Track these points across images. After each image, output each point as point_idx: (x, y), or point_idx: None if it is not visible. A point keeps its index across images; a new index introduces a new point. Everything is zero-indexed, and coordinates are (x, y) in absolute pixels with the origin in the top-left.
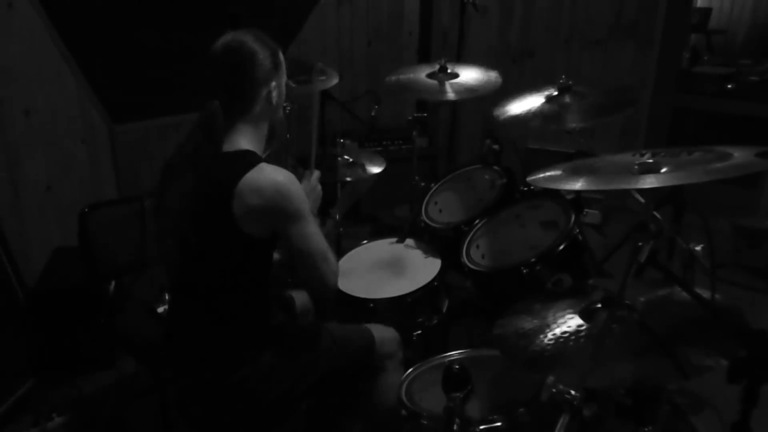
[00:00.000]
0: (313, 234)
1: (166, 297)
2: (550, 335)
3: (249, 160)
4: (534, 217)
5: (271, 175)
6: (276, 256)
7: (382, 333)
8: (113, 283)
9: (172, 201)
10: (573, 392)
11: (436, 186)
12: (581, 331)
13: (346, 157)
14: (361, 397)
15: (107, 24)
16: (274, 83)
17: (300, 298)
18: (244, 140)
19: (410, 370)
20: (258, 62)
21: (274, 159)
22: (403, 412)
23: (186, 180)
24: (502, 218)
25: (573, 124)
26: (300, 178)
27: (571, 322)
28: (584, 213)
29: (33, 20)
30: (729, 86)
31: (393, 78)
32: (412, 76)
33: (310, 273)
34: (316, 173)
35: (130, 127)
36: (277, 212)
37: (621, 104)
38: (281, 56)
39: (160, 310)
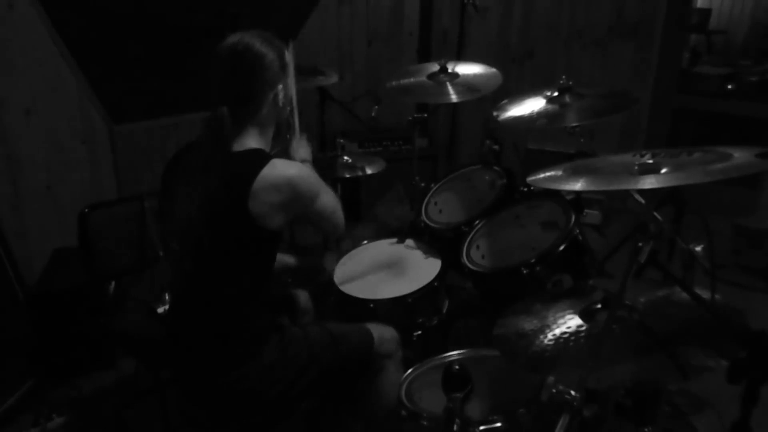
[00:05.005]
0: (326, 202)
1: (166, 297)
2: (550, 335)
3: (260, 157)
4: (534, 217)
5: (283, 170)
6: (290, 260)
7: (382, 332)
8: (113, 283)
9: (181, 204)
10: (573, 392)
11: (436, 186)
12: (581, 331)
13: (345, 157)
14: (361, 396)
15: (107, 24)
16: (281, 86)
17: (301, 297)
18: (253, 141)
19: (410, 370)
20: (266, 66)
21: (282, 155)
22: (403, 412)
23: (196, 184)
24: (502, 219)
25: (573, 123)
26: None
27: (571, 322)
28: (584, 213)
29: (33, 20)
30: (729, 86)
31: (393, 83)
32: (412, 80)
33: (325, 226)
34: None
35: (130, 127)
36: (295, 203)
37: (621, 105)
38: (287, 56)
39: (160, 310)
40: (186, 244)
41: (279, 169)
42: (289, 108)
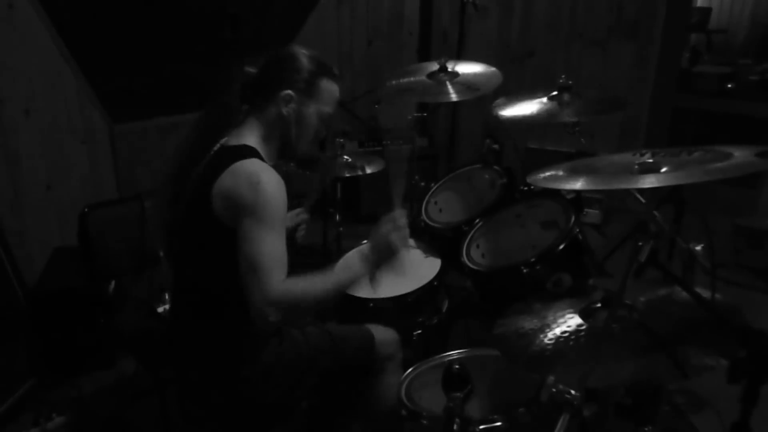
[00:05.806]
0: (257, 240)
1: (166, 297)
2: (550, 335)
3: (243, 153)
4: (534, 216)
5: (254, 167)
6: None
7: (382, 334)
8: (113, 283)
9: (169, 195)
10: (573, 392)
11: (436, 186)
12: (581, 331)
13: (345, 157)
14: (361, 397)
15: (107, 24)
16: (290, 92)
17: None
18: (251, 139)
19: (410, 369)
20: (288, 63)
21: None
22: (403, 412)
23: (182, 174)
24: (502, 218)
25: (572, 118)
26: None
27: (571, 322)
28: (584, 213)
29: (33, 20)
30: (729, 86)
31: (393, 82)
32: (412, 79)
33: (242, 278)
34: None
35: (130, 127)
36: (235, 198)
37: (615, 106)
38: (322, 83)
39: (160, 310)
40: (176, 241)
41: (253, 164)
42: (300, 131)
